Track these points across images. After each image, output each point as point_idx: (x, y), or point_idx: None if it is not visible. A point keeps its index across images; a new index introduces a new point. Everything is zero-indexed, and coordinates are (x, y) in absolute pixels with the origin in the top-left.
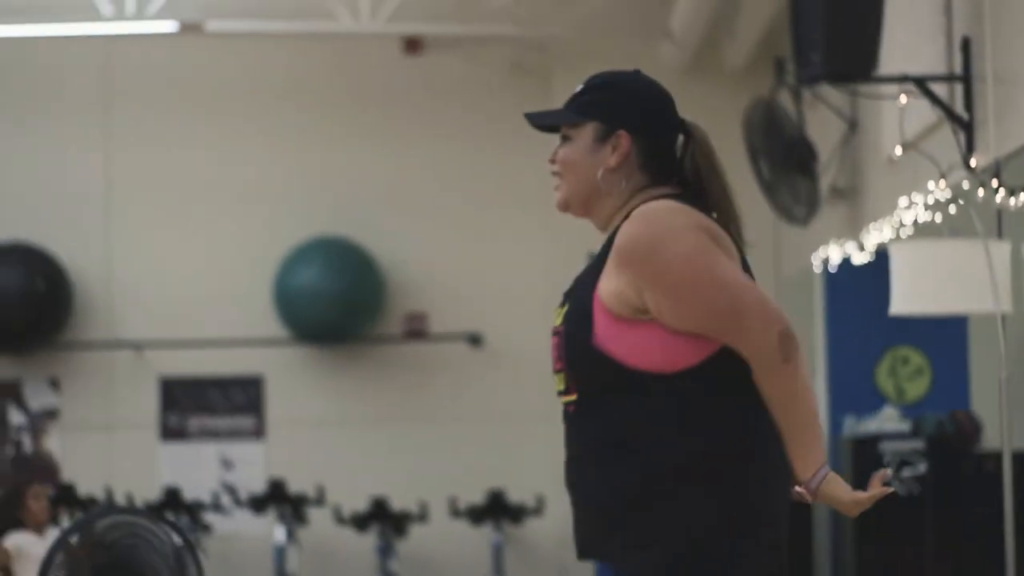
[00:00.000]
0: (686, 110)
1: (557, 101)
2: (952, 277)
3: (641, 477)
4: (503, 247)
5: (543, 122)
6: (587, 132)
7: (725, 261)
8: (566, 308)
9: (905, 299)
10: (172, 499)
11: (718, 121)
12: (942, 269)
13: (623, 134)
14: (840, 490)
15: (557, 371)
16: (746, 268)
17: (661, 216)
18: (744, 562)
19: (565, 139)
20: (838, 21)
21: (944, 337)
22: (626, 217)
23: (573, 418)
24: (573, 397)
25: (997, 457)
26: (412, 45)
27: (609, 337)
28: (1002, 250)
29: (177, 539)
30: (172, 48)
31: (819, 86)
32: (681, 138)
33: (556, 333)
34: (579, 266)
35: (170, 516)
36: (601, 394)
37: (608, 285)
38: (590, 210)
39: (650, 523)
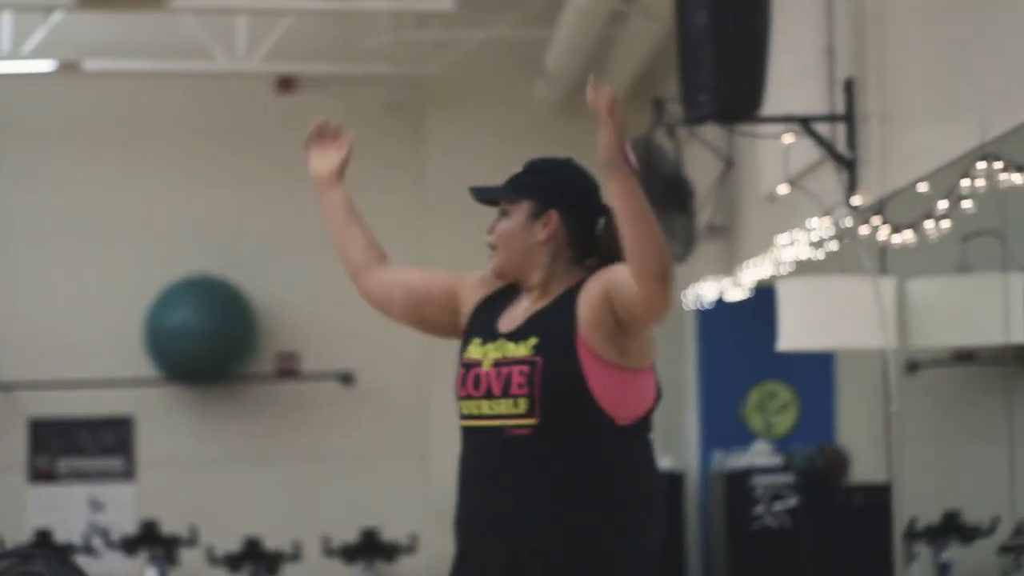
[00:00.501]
0: (560, 147)
1: (430, 139)
2: (840, 313)
3: (600, 516)
4: None
5: (485, 197)
6: (522, 209)
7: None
8: (534, 341)
9: (793, 335)
10: (43, 541)
11: (591, 158)
12: (830, 305)
13: (553, 213)
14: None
15: (511, 395)
16: None
17: None
18: None
19: (503, 213)
20: (726, 63)
21: (811, 372)
22: (570, 285)
23: (526, 441)
24: (532, 421)
25: (866, 489)
26: (285, 84)
27: (591, 373)
28: (887, 286)
29: None
30: (49, 86)
31: (700, 126)
32: (602, 220)
33: (512, 362)
34: None
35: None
36: (569, 426)
37: (588, 322)
38: (521, 277)
39: (601, 562)
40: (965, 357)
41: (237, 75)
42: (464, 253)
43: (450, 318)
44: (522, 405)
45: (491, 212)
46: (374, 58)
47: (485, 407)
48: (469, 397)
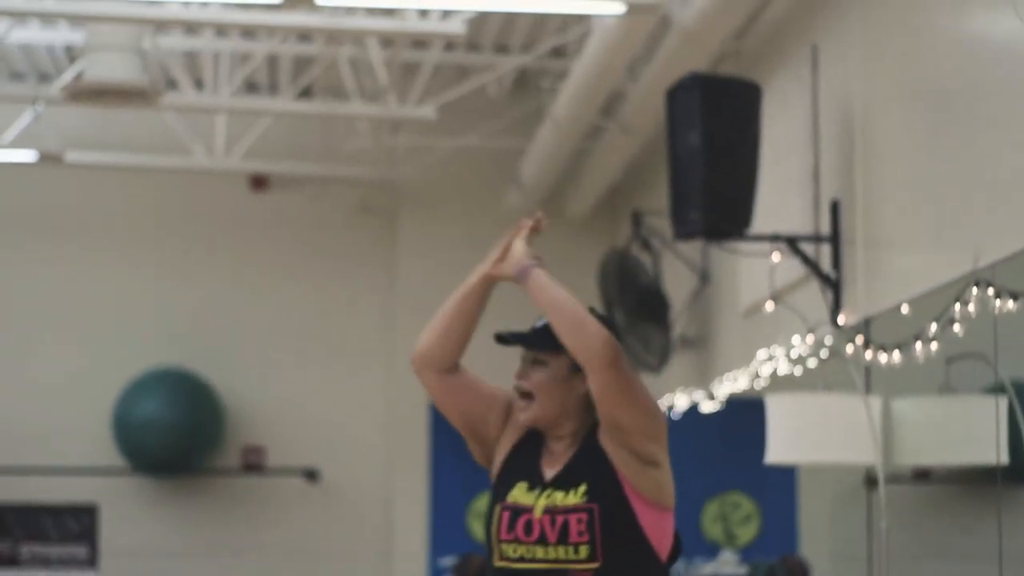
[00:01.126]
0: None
1: (402, 242)
2: (827, 428)
3: None
4: (343, 385)
5: (522, 343)
6: (563, 363)
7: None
8: (584, 487)
9: (781, 448)
10: None
11: (562, 266)
12: (817, 421)
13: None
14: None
15: (571, 543)
16: None
17: None
18: None
19: (538, 362)
20: (716, 182)
21: (773, 484)
22: (590, 428)
23: None
24: (595, 565)
25: None
26: (258, 182)
27: (639, 512)
28: (874, 405)
29: None
30: (27, 175)
31: (679, 241)
32: None
33: (567, 511)
34: (419, 407)
35: None
36: (629, 566)
37: (618, 460)
38: (555, 427)
39: None
40: (922, 475)
41: (214, 172)
42: None
43: (491, 436)
44: (583, 552)
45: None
46: (350, 160)
47: (539, 552)
48: (518, 541)
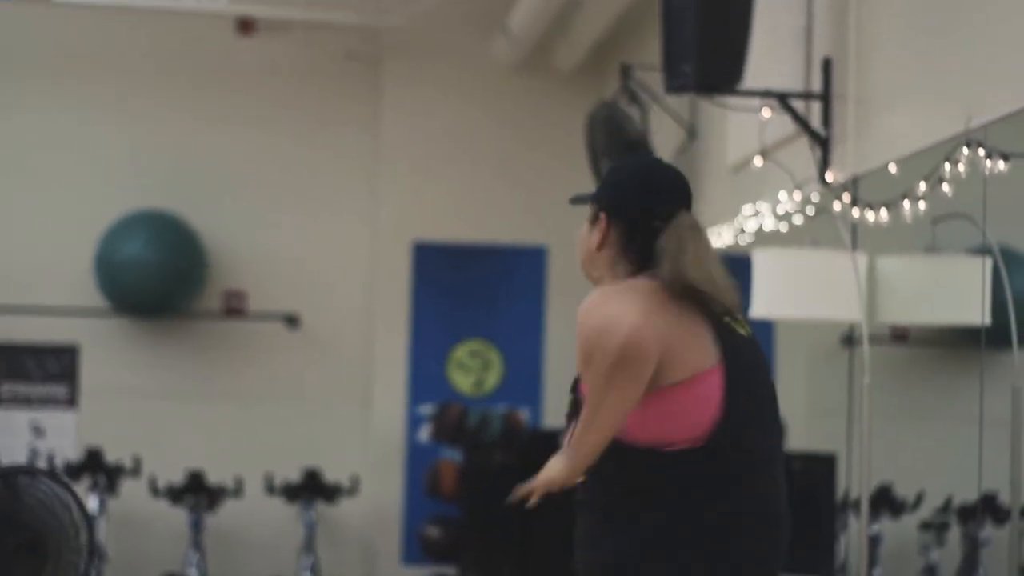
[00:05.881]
0: (515, 106)
1: (388, 91)
2: (813, 284)
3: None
4: (325, 231)
5: (580, 202)
6: (590, 215)
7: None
8: (572, 396)
9: (766, 303)
10: None
11: (550, 118)
12: (803, 276)
13: (603, 217)
14: None
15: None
16: (723, 334)
17: (588, 321)
18: None
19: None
20: (709, 35)
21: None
22: None
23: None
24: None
25: (804, 459)
26: (245, 26)
27: None
28: (860, 262)
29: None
30: (5, 15)
31: (670, 95)
32: (662, 227)
33: (569, 416)
34: (401, 256)
35: None
36: (601, 467)
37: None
38: (588, 277)
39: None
40: (900, 337)
41: (201, 14)
42: (415, 204)
43: None
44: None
45: (452, 170)
46: (337, 5)
47: None
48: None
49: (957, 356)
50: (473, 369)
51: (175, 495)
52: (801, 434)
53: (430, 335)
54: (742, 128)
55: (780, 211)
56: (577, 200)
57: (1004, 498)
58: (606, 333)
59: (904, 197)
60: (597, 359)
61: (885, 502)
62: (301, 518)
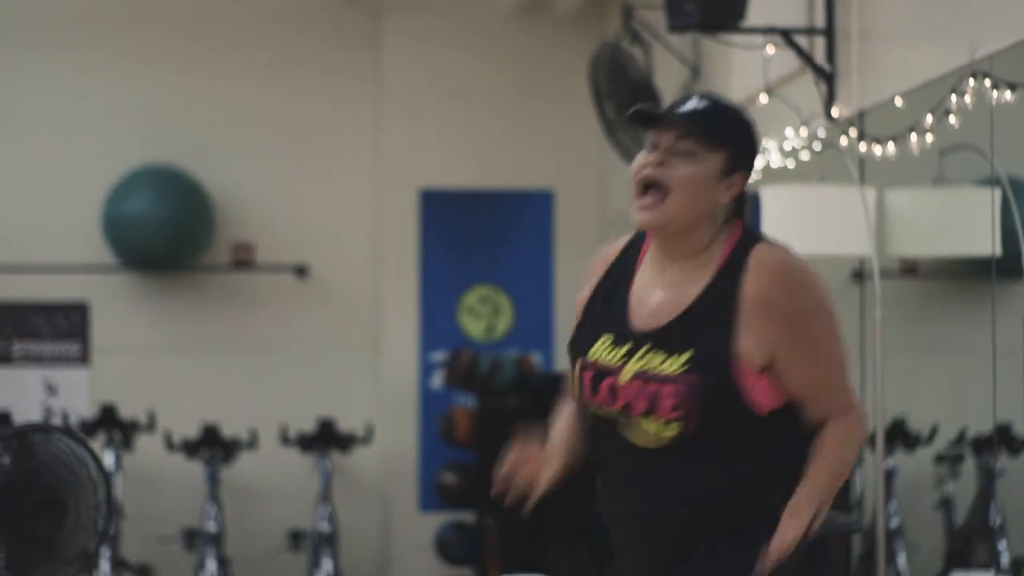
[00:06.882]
0: (519, 53)
1: (386, 38)
2: (822, 220)
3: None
4: (332, 180)
5: (679, 123)
6: (716, 162)
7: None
8: (688, 355)
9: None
10: (2, 422)
11: (551, 61)
12: (812, 212)
13: (740, 176)
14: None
15: (660, 417)
16: None
17: (808, 280)
18: None
19: (687, 154)
20: None
21: None
22: (723, 261)
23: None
24: (682, 434)
25: None
26: None
27: (748, 386)
28: (868, 196)
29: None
30: None
31: (673, 34)
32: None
33: (662, 380)
34: (408, 204)
35: None
36: (719, 430)
37: (751, 341)
38: (687, 235)
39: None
40: (910, 270)
41: None
42: (416, 151)
43: None
44: (674, 428)
45: (456, 117)
46: None
47: (622, 420)
48: (601, 406)
49: (968, 288)
50: (484, 315)
51: (190, 449)
52: None
53: (440, 282)
54: (746, 65)
55: (787, 147)
56: (685, 125)
57: (1018, 428)
58: (829, 295)
59: (911, 130)
60: (831, 322)
61: (899, 436)
62: (317, 468)
